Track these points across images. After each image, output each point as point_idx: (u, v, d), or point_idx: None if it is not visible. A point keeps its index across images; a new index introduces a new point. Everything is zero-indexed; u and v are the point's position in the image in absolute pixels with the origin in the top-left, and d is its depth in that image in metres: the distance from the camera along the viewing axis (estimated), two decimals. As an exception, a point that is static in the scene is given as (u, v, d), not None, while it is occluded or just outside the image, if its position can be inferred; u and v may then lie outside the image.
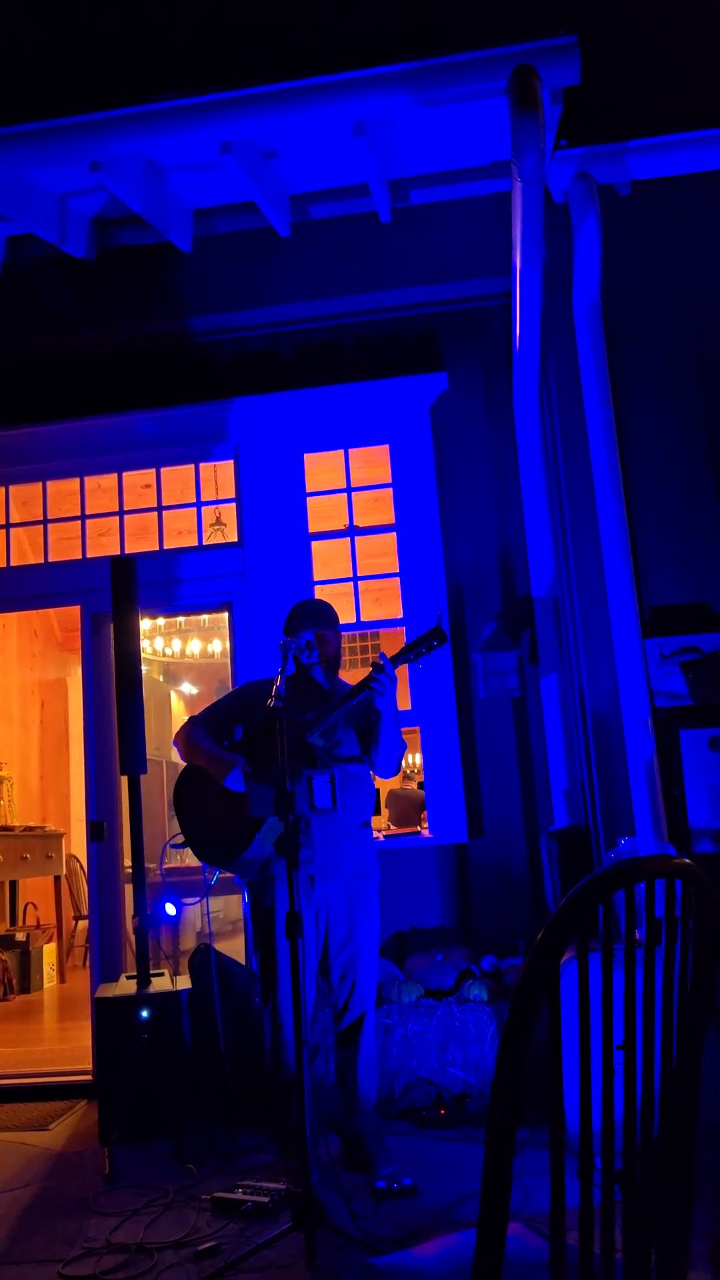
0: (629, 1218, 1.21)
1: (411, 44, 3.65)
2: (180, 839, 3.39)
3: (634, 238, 4.30)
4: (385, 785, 8.31)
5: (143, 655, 4.46)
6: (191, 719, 3.52)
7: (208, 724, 3.48)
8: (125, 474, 5.12)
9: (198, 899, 5.45)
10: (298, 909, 2.74)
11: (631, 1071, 1.21)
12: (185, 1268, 2.64)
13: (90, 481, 5.18)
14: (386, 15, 4.07)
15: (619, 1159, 1.21)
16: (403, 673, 4.80)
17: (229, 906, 7.26)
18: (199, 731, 3.45)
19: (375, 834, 3.58)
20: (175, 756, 3.71)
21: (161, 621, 8.68)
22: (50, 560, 5.15)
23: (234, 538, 4.98)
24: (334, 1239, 2.68)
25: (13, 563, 5.21)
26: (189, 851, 3.53)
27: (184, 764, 3.47)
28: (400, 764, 3.41)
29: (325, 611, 3.45)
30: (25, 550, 5.58)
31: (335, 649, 3.45)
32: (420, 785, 8.45)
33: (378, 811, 4.19)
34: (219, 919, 7.20)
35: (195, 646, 9.17)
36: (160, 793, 7.70)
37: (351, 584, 4.94)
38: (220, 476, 5.36)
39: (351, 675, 3.65)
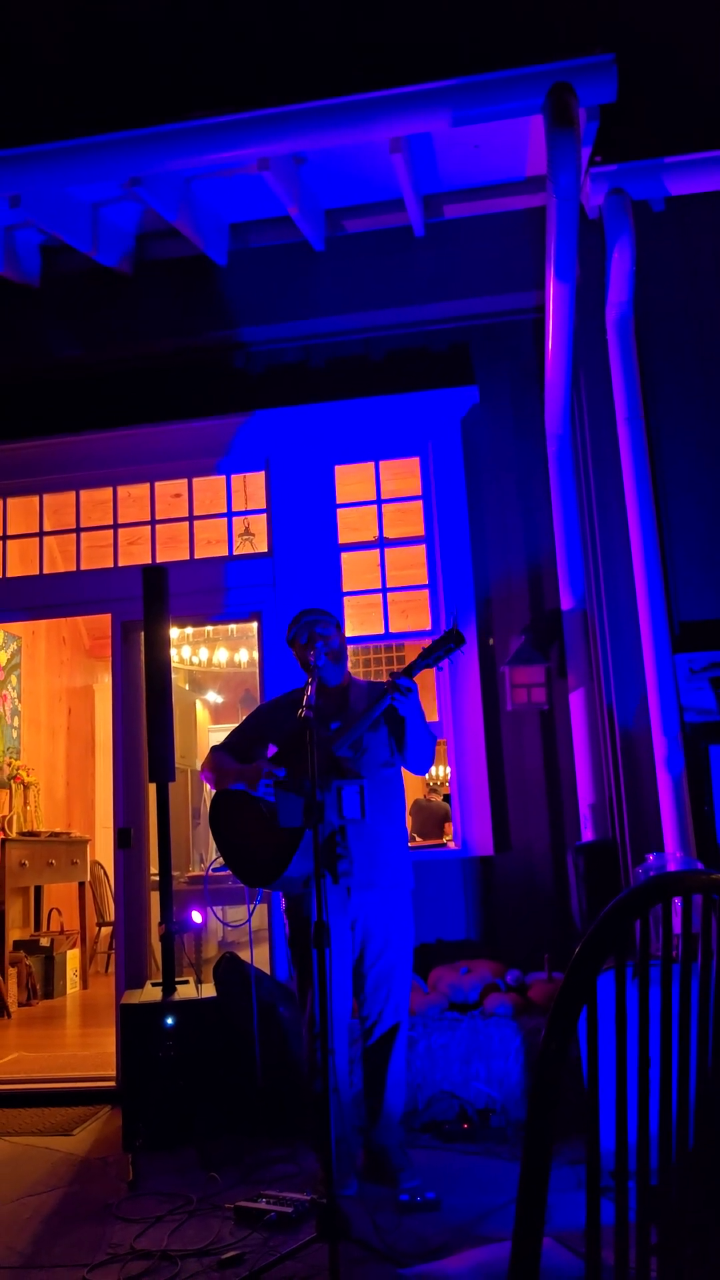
0: (664, 1236, 1.21)
1: (450, 62, 3.68)
2: (220, 862, 3.41)
3: (668, 253, 4.30)
4: (409, 796, 8.31)
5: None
6: (214, 748, 3.59)
7: (232, 751, 3.53)
8: (157, 484, 5.17)
9: (221, 906, 5.47)
10: (326, 919, 2.75)
11: (668, 1087, 1.21)
12: (208, 1276, 2.65)
13: (121, 491, 5.23)
14: (425, 34, 4.11)
15: (654, 1176, 1.21)
16: (430, 685, 4.84)
17: (254, 914, 7.26)
18: (223, 756, 3.51)
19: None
20: (200, 764, 3.75)
21: (189, 630, 8.73)
22: (82, 569, 5.20)
23: (264, 548, 5.01)
24: (357, 1251, 2.68)
25: (45, 570, 5.27)
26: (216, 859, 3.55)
27: (213, 791, 3.50)
28: (432, 761, 3.44)
29: (331, 609, 3.51)
30: (56, 559, 5.64)
31: (340, 644, 3.47)
32: (446, 798, 8.47)
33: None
34: (245, 926, 7.20)
35: (222, 655, 9.21)
36: (185, 801, 7.73)
37: (380, 595, 4.96)
38: (250, 487, 5.40)
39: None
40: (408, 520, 5.17)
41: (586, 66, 3.64)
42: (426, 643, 3.38)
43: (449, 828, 7.93)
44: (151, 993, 4.02)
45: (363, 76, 3.73)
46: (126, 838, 4.69)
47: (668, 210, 4.32)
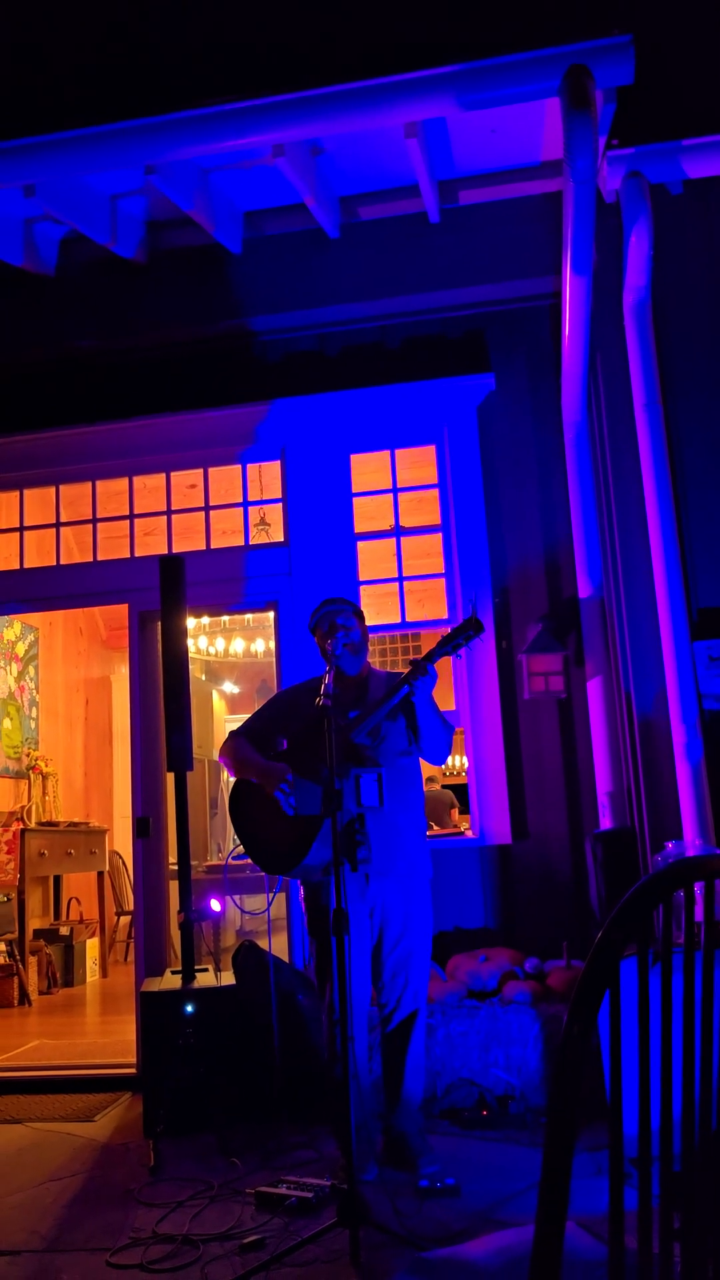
0: (687, 1221, 1.21)
1: (465, 46, 3.65)
2: (239, 851, 3.42)
3: (686, 237, 4.26)
4: (426, 786, 8.30)
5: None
6: (234, 733, 3.56)
7: (250, 736, 3.52)
8: (173, 474, 5.17)
9: (240, 894, 5.49)
10: (345, 906, 2.76)
11: (690, 1073, 1.21)
12: (230, 1260, 2.67)
13: (137, 481, 5.24)
14: (439, 17, 4.07)
15: (677, 1162, 1.20)
16: (448, 674, 4.83)
17: (273, 903, 7.29)
18: (243, 744, 3.48)
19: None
20: (216, 755, 3.76)
21: (205, 620, 8.75)
22: (98, 559, 5.21)
23: (280, 537, 5.01)
24: (377, 1236, 2.69)
25: (62, 561, 5.29)
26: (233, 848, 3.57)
27: (233, 779, 3.51)
28: (449, 750, 3.44)
29: (350, 598, 3.52)
30: (72, 549, 5.66)
31: (361, 635, 3.48)
32: (445, 787, 8.50)
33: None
34: (263, 915, 7.24)
35: (238, 646, 9.23)
36: (203, 791, 7.76)
37: (396, 584, 4.95)
38: (266, 476, 5.40)
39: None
40: (424, 509, 5.16)
41: (603, 48, 3.59)
42: (443, 631, 3.37)
43: (455, 814, 7.96)
44: (171, 981, 4.04)
45: (377, 61, 3.70)
46: (145, 827, 4.71)
47: (686, 193, 4.27)
